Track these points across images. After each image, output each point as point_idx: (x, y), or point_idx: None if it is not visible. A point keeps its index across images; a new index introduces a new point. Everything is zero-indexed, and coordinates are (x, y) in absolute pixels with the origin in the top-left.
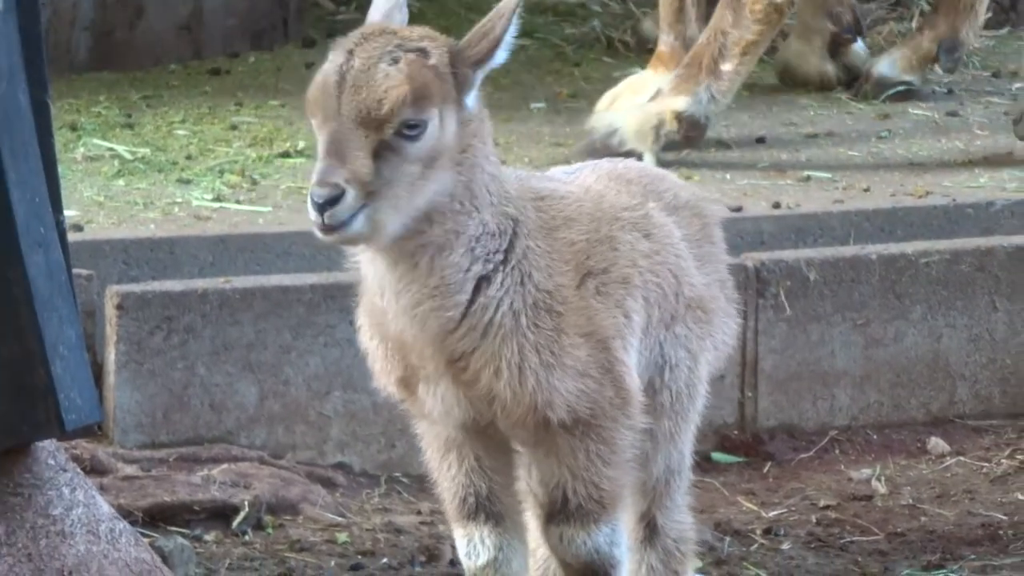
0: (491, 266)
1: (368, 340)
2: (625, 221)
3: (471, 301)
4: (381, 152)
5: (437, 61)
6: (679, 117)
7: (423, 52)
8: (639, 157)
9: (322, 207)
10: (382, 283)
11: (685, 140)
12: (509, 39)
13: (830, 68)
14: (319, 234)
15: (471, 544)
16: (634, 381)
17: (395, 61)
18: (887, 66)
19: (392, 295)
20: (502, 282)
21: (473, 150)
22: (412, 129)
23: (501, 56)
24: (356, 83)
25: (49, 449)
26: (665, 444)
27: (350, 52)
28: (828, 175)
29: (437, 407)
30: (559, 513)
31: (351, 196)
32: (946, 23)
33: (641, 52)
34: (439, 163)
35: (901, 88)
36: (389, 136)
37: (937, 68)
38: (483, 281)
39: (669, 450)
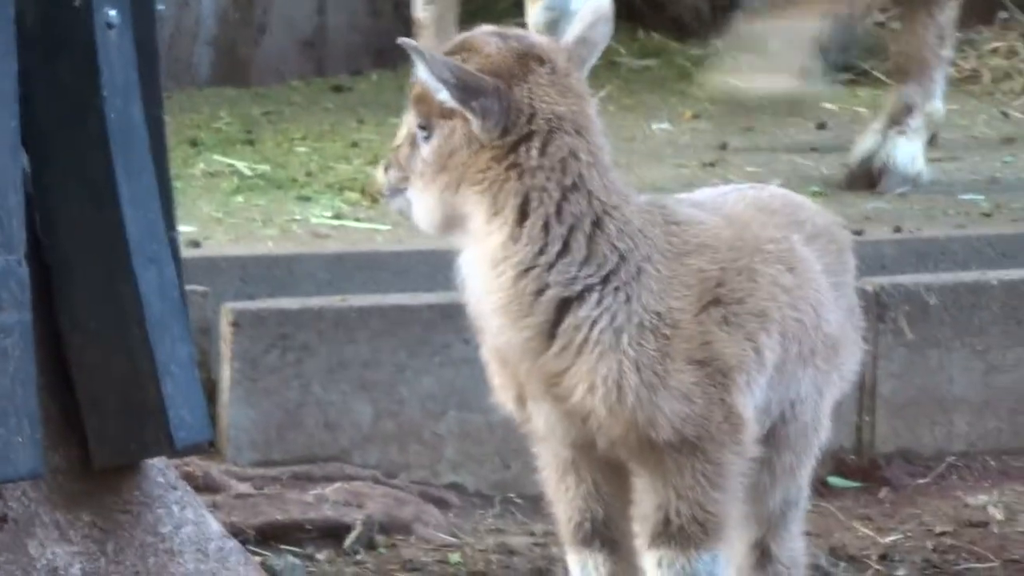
0: (579, 288)
1: (487, 354)
2: (769, 253)
3: (557, 321)
4: (413, 141)
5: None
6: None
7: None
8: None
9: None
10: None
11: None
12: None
13: None
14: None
15: (585, 570)
16: (748, 411)
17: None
18: None
19: (485, 304)
20: (599, 302)
21: (529, 175)
22: (422, 129)
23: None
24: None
25: (159, 467)
26: (784, 477)
27: None
28: (950, 198)
29: (542, 425)
30: (660, 535)
31: (391, 175)
32: None
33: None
34: (447, 173)
35: None
36: (415, 128)
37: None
38: (570, 302)
39: (788, 483)
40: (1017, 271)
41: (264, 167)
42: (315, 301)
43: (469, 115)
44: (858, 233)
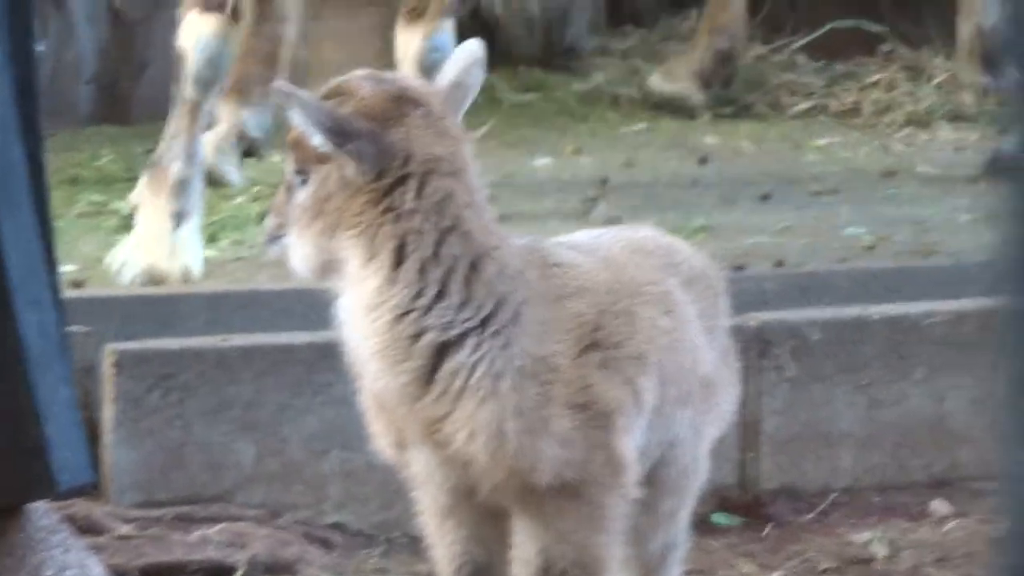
0: (457, 332)
1: (365, 399)
2: (647, 296)
3: (435, 366)
4: (290, 187)
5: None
6: None
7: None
8: None
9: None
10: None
11: None
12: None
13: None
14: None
15: None
16: (629, 454)
17: (328, 97)
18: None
19: (362, 349)
20: (477, 346)
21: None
22: (299, 175)
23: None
24: None
25: (42, 510)
26: (665, 520)
27: None
28: (833, 232)
29: (421, 471)
30: None
31: (270, 222)
32: None
33: (648, 107)
34: (324, 218)
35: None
36: (292, 174)
37: None
38: (447, 347)
39: (668, 526)
40: (900, 305)
41: None
42: (196, 341)
43: (344, 159)
44: (739, 268)
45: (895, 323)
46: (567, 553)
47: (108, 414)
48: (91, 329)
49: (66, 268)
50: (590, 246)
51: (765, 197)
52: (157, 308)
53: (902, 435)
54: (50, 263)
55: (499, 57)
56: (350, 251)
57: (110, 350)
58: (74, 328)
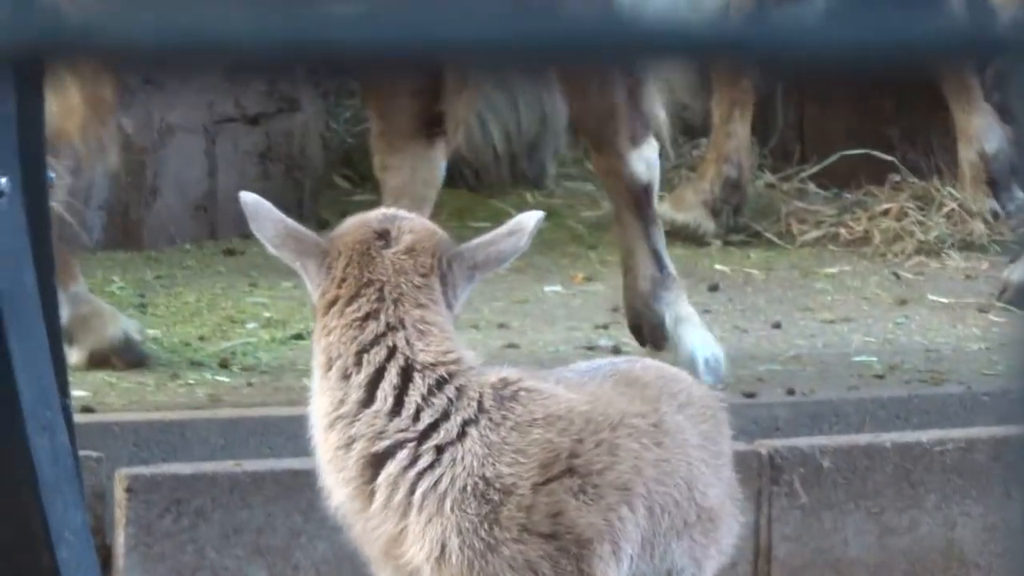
0: (387, 443)
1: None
2: (633, 428)
3: (372, 477)
4: None
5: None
6: None
7: None
8: None
9: None
10: None
11: None
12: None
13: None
14: None
15: None
16: None
17: None
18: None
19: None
20: (412, 459)
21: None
22: None
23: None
24: None
25: None
26: None
27: None
28: (843, 360)
29: None
30: None
31: None
32: None
33: None
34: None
35: None
36: None
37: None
38: (378, 458)
39: None
40: (911, 433)
41: (156, 331)
42: (209, 466)
43: (299, 271)
44: (750, 395)
45: (906, 450)
46: None
47: (120, 539)
48: (102, 454)
49: (77, 393)
50: (579, 379)
51: (776, 325)
52: (169, 433)
53: (914, 562)
54: (62, 388)
55: (509, 184)
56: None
57: (122, 475)
58: (85, 453)
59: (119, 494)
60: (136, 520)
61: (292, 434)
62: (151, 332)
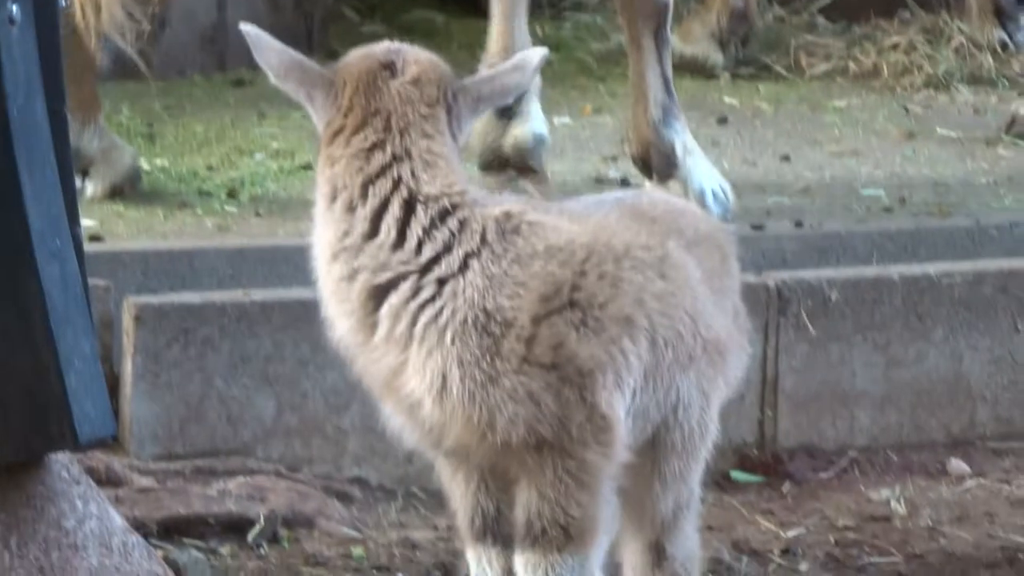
0: (389, 275)
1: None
2: (637, 260)
3: (375, 309)
4: None
5: None
6: None
7: None
8: None
9: None
10: None
11: None
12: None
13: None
14: None
15: (480, 565)
16: (615, 411)
17: None
18: None
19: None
20: (415, 291)
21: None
22: None
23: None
24: None
25: (62, 461)
26: (673, 482)
27: None
28: (851, 193)
29: (395, 427)
30: (525, 538)
31: None
32: None
33: None
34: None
35: None
36: None
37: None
38: (381, 290)
39: (677, 488)
40: (918, 266)
41: (164, 161)
42: (217, 295)
43: (303, 102)
44: (759, 228)
45: (913, 283)
46: (546, 511)
47: (128, 367)
48: (111, 283)
49: (86, 223)
50: (584, 212)
51: (784, 158)
52: (177, 262)
53: (920, 395)
54: (72, 217)
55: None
56: (317, 194)
57: (130, 304)
58: (94, 282)
59: (127, 323)
60: (144, 349)
61: (300, 264)
62: (159, 162)
